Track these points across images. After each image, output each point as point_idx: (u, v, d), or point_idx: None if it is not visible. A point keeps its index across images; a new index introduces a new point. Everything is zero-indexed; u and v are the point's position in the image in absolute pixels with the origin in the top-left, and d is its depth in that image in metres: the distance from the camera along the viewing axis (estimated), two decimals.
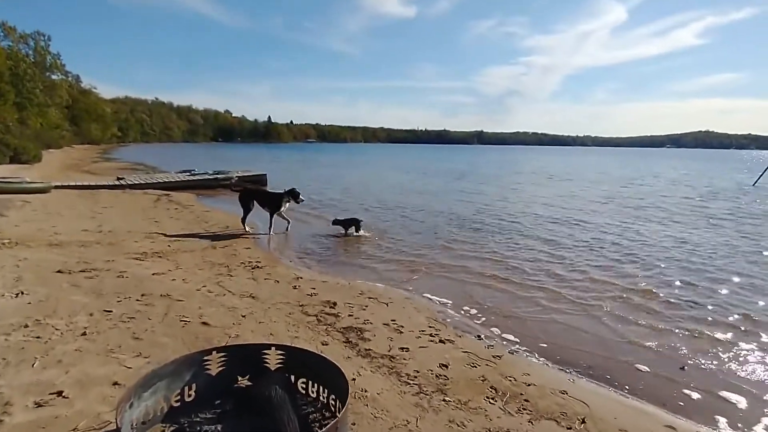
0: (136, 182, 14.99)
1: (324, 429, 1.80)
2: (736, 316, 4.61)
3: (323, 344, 3.50)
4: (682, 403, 3.05)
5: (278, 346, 2.61)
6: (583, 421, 2.61)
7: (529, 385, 3.02)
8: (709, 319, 4.54)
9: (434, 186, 19.48)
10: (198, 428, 2.19)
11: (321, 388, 2.49)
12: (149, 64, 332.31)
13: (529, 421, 2.57)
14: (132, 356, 3.04)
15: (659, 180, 24.64)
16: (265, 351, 2.62)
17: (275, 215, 8.35)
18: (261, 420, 2.17)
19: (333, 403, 2.39)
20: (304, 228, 8.89)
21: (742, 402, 3.09)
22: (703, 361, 3.64)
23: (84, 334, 3.32)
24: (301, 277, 5.39)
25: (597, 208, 12.63)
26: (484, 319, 4.42)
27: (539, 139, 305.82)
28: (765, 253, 7.42)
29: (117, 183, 14.70)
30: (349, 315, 4.18)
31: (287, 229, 8.44)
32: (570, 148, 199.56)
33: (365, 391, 2.76)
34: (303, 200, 8.66)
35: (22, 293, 4.06)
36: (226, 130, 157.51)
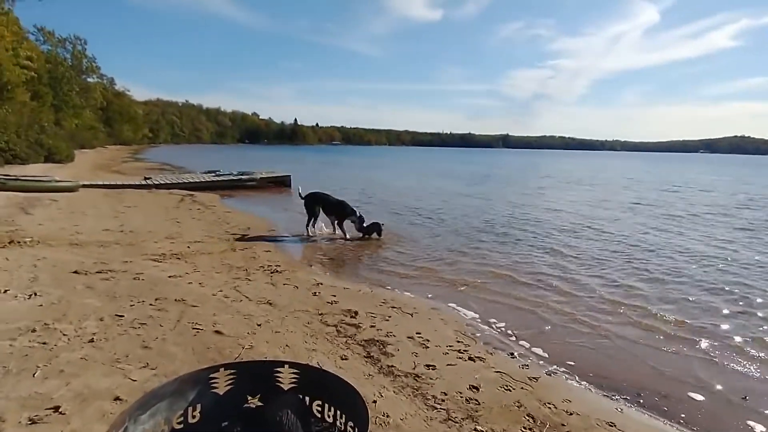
0: (162, 182, 15.14)
1: None
2: None
3: (342, 358, 3.23)
4: None
5: (292, 364, 2.36)
6: None
7: (571, 414, 2.67)
8: None
9: (456, 189, 19.04)
10: None
11: (338, 412, 2.23)
12: (180, 66, 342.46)
13: None
14: (138, 367, 2.83)
15: (691, 187, 23.32)
16: (278, 369, 2.38)
17: (342, 224, 8.28)
18: None
19: (351, 429, 2.11)
20: (325, 232, 8.64)
21: None
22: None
23: (92, 340, 3.15)
24: (322, 283, 5.14)
25: (629, 217, 12.01)
26: (516, 333, 4.06)
27: (566, 143, 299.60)
28: None
29: (143, 183, 14.88)
30: (371, 326, 3.91)
31: (334, 231, 8.33)
32: (598, 153, 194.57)
33: (387, 416, 2.48)
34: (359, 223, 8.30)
35: (35, 294, 3.95)
36: (253, 132, 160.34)
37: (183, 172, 21.19)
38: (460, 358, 3.38)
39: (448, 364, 3.25)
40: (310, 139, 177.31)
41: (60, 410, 2.30)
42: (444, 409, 2.61)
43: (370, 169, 33.85)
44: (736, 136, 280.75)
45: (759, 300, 5.15)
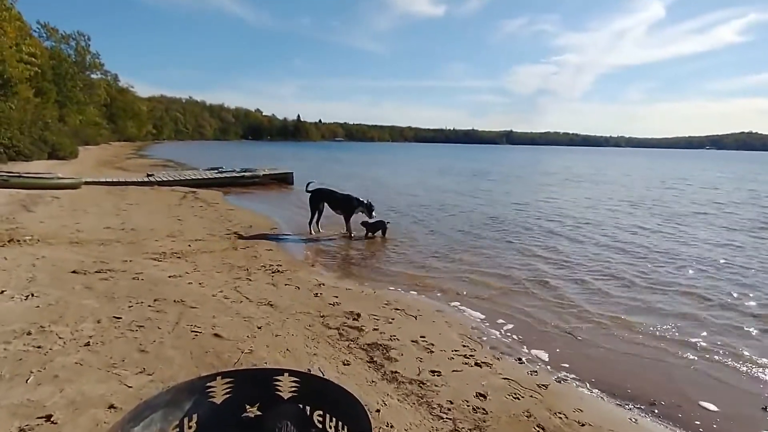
0: (165, 179, 15.07)
1: None
2: None
3: (345, 364, 3.14)
4: None
5: (292, 372, 2.27)
6: None
7: (583, 424, 2.57)
8: None
9: (457, 187, 18.86)
10: None
11: (340, 423, 2.13)
12: (183, 63, 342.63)
13: None
14: (135, 372, 2.75)
15: (690, 184, 22.92)
16: (278, 377, 2.28)
17: (350, 219, 8.11)
18: None
19: None
20: (328, 230, 8.54)
21: None
22: None
23: (88, 344, 3.07)
24: (324, 284, 5.05)
25: (631, 217, 11.85)
26: (523, 337, 3.95)
27: (571, 140, 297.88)
28: None
29: (146, 180, 14.81)
30: (374, 329, 3.81)
31: (351, 236, 8.05)
32: (603, 149, 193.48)
33: (391, 426, 2.38)
34: (375, 216, 8.19)
35: (33, 295, 3.87)
36: (256, 128, 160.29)
37: (186, 169, 21.14)
38: (466, 363, 3.28)
39: (453, 370, 3.15)
40: (313, 135, 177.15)
41: (52, 419, 2.22)
42: (450, 419, 2.52)
43: (372, 166, 33.77)
44: (743, 133, 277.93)
45: None
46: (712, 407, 2.97)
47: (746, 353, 3.76)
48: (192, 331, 3.39)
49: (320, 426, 2.20)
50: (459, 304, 4.75)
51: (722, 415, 2.88)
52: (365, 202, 8.09)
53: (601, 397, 3.01)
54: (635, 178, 26.55)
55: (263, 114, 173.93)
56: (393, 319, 4.09)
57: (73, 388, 2.51)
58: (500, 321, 4.31)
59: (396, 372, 3.07)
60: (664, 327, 4.25)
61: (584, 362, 3.51)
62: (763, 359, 3.66)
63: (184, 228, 7.70)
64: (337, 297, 4.60)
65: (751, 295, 5.26)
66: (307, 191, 8.37)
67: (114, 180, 14.34)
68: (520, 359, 3.48)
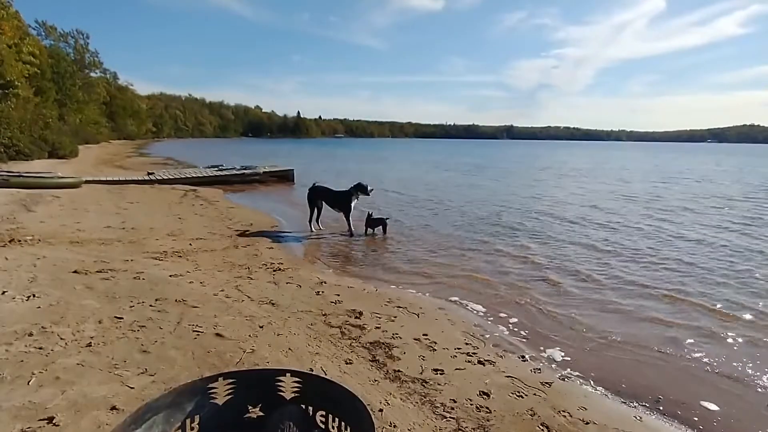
0: (165, 177, 15.05)
1: None
2: None
3: (347, 363, 3.13)
4: None
5: (294, 372, 2.25)
6: None
7: (587, 423, 2.55)
8: None
9: (458, 181, 18.84)
10: None
11: (343, 423, 2.12)
12: (182, 60, 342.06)
13: None
14: (136, 373, 2.74)
15: (687, 178, 22.83)
16: (280, 378, 2.27)
17: (349, 215, 8.01)
18: None
19: None
20: (329, 227, 8.52)
21: None
22: None
23: (89, 344, 3.06)
24: (325, 282, 5.03)
25: (633, 209, 11.81)
26: (526, 335, 3.94)
27: (572, 134, 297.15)
28: None
29: (146, 178, 14.80)
30: (376, 327, 3.79)
31: (351, 234, 7.93)
32: (603, 143, 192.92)
33: (394, 426, 2.37)
34: (372, 190, 8.08)
35: (34, 296, 3.87)
36: (256, 125, 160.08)
37: (186, 167, 21.12)
38: (469, 361, 3.26)
39: (456, 369, 3.13)
40: (314, 131, 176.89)
41: (54, 421, 2.21)
42: (453, 418, 2.50)
43: (369, 161, 33.86)
44: (745, 125, 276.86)
45: None
46: (716, 406, 2.94)
47: (751, 351, 3.74)
48: (194, 331, 3.38)
49: (323, 426, 2.18)
50: (461, 301, 4.74)
51: (727, 414, 2.86)
52: (363, 184, 7.96)
53: (606, 395, 2.99)
54: (633, 172, 26.44)
55: (263, 111, 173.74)
56: (395, 317, 4.08)
57: (75, 390, 2.50)
58: (503, 318, 4.30)
59: (399, 371, 3.05)
60: (668, 325, 4.23)
61: (588, 359, 3.49)
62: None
63: (184, 227, 7.69)
64: (338, 295, 4.58)
65: (755, 292, 5.23)
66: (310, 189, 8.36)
67: (114, 179, 14.33)
68: (523, 357, 3.47)
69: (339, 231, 8.13)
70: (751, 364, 3.49)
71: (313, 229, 8.07)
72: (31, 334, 3.14)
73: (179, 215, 8.85)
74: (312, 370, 2.90)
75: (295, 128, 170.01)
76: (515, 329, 4.05)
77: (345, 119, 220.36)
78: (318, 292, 4.66)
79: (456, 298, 4.81)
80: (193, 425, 2.11)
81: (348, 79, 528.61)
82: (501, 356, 3.42)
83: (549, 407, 2.69)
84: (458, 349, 3.47)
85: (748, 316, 4.44)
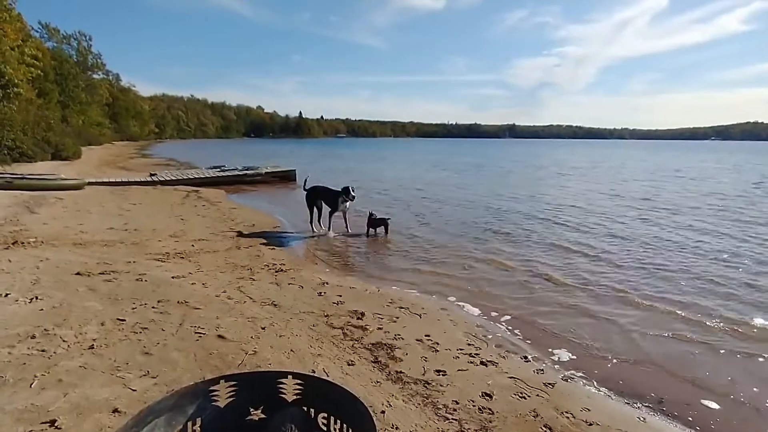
0: (168, 178, 15.09)
1: None
2: None
3: (349, 364, 3.12)
4: None
5: (296, 375, 2.25)
6: None
7: (591, 424, 2.54)
8: None
9: (457, 182, 18.79)
10: None
11: (344, 425, 2.12)
12: (184, 61, 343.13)
13: None
14: (139, 376, 2.74)
15: (681, 176, 22.62)
16: (281, 380, 2.27)
17: (333, 215, 8.07)
18: None
19: None
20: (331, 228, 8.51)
21: None
22: None
23: (92, 347, 3.06)
24: (327, 283, 5.03)
25: (632, 206, 11.76)
26: (529, 335, 3.92)
27: (574, 132, 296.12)
28: None
29: (148, 179, 14.83)
30: (378, 328, 3.79)
31: (347, 230, 8.03)
32: (606, 142, 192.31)
33: (396, 428, 2.36)
34: (354, 197, 8.00)
35: (37, 298, 3.87)
36: (258, 125, 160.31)
37: (188, 168, 21.16)
38: (471, 362, 3.25)
39: (459, 370, 3.12)
40: (315, 132, 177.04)
41: (56, 424, 2.21)
42: (456, 420, 2.49)
43: (369, 161, 33.89)
44: (749, 123, 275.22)
45: None
46: (720, 406, 2.92)
47: (757, 351, 3.71)
48: (196, 333, 3.38)
49: (325, 429, 2.18)
50: (463, 301, 4.72)
51: (731, 414, 2.84)
52: (348, 187, 7.88)
53: (609, 396, 2.97)
54: (631, 170, 26.34)
55: (265, 111, 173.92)
56: (397, 317, 4.07)
57: (78, 393, 2.50)
58: (505, 319, 4.29)
59: (401, 372, 3.04)
60: (672, 324, 4.21)
61: (591, 360, 3.47)
62: None
63: (186, 228, 7.70)
64: (340, 296, 4.58)
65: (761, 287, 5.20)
66: (305, 189, 8.35)
67: (117, 180, 14.37)
68: (525, 357, 3.45)
69: (340, 232, 8.12)
70: (753, 364, 3.47)
71: (314, 229, 8.07)
72: (33, 337, 3.14)
73: (181, 216, 8.87)
74: (314, 372, 2.90)
75: (297, 128, 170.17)
76: (518, 330, 4.04)
77: (347, 119, 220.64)
78: (320, 292, 4.66)
79: (459, 300, 4.79)
80: (194, 428, 2.11)
81: (349, 78, 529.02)
82: (503, 357, 3.40)
83: (552, 408, 2.68)
84: (460, 349, 3.46)
85: (752, 319, 4.41)
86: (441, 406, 2.63)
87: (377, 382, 2.89)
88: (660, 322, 4.23)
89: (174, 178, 15.21)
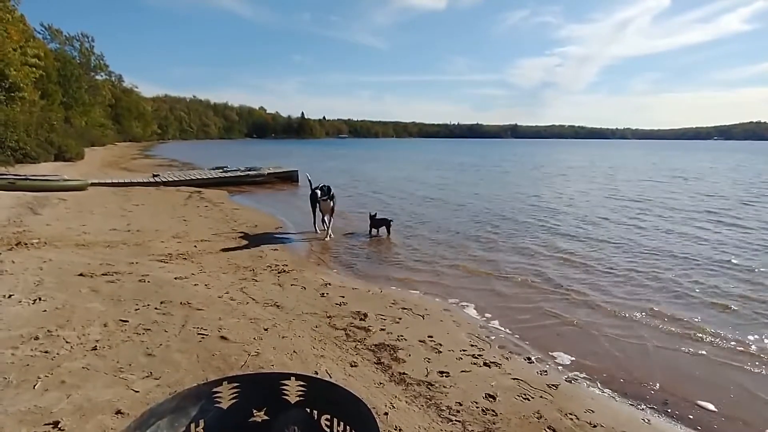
0: (170, 179, 15.11)
1: None
2: None
3: (352, 365, 3.11)
4: None
5: (299, 376, 2.24)
6: None
7: (595, 425, 2.52)
8: None
9: (457, 180, 18.78)
10: None
11: (348, 427, 2.11)
12: (186, 62, 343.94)
13: None
14: (141, 377, 2.74)
15: (679, 176, 22.54)
16: (284, 381, 2.26)
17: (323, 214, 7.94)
18: None
19: None
20: (333, 228, 8.48)
21: None
22: None
23: (95, 348, 3.06)
24: (330, 284, 5.02)
25: (632, 207, 11.72)
26: (533, 336, 3.91)
27: (576, 132, 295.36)
28: None
29: (151, 180, 14.86)
30: (381, 329, 3.78)
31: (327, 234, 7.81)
32: (608, 142, 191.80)
33: (400, 430, 2.35)
34: (330, 196, 7.75)
35: (40, 299, 3.88)
36: (261, 126, 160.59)
37: (191, 169, 21.20)
38: (474, 363, 3.24)
39: (462, 371, 3.11)
40: (318, 132, 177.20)
41: (59, 426, 2.21)
42: (459, 422, 2.48)
43: (368, 161, 33.96)
44: (751, 122, 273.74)
45: None
46: (723, 407, 2.91)
47: (761, 353, 3.69)
48: (198, 334, 3.37)
49: (327, 430, 2.17)
50: (467, 303, 4.71)
51: (735, 415, 2.82)
52: (327, 189, 7.68)
53: (613, 397, 2.96)
54: (631, 170, 26.26)
55: (267, 112, 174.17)
56: (400, 318, 4.06)
57: (80, 394, 2.50)
58: (508, 320, 4.27)
59: (404, 373, 3.04)
60: (676, 325, 4.19)
61: (594, 361, 3.46)
62: None
63: (189, 228, 7.71)
64: (343, 297, 4.57)
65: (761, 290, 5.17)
66: (312, 189, 8.30)
67: (119, 181, 14.39)
68: (529, 359, 3.44)
69: (343, 232, 8.11)
70: (757, 365, 3.45)
71: (317, 230, 8.06)
72: (36, 338, 3.15)
73: (184, 217, 8.88)
74: (317, 373, 2.89)
75: (299, 129, 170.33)
76: (521, 331, 4.02)
77: (349, 119, 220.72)
78: (323, 293, 4.65)
79: (460, 300, 4.78)
80: (197, 430, 2.10)
81: (350, 78, 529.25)
82: (507, 358, 3.39)
83: (556, 410, 2.66)
84: (464, 351, 3.45)
85: (755, 314, 4.39)
86: (444, 408, 2.62)
87: (380, 383, 2.88)
88: (664, 324, 4.21)
89: (176, 179, 15.23)
